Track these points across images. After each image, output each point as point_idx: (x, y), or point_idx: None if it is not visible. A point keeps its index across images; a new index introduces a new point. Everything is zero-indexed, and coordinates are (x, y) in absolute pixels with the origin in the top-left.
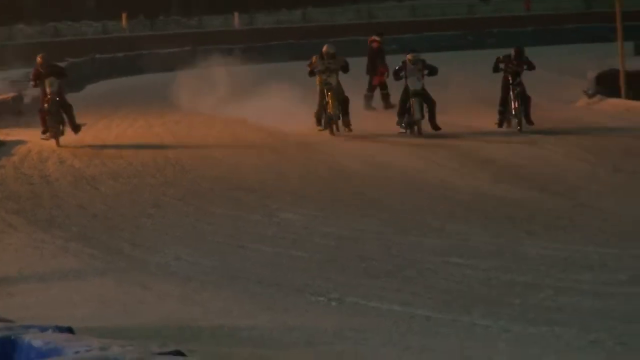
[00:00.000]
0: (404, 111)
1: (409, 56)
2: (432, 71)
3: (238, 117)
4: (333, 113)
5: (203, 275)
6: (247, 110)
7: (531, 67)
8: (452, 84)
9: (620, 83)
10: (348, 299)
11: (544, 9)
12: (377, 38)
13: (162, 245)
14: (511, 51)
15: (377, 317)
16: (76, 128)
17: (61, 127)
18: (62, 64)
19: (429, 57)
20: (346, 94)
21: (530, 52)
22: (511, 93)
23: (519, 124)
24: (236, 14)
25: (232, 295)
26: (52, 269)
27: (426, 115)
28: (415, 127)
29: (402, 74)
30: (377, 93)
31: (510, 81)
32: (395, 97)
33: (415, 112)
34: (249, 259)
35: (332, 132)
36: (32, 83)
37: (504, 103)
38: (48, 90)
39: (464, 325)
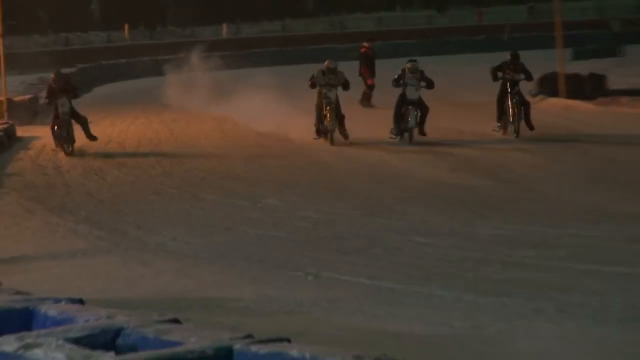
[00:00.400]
0: (398, 116)
1: (408, 65)
2: (430, 85)
3: (226, 116)
4: (330, 126)
5: (196, 253)
6: (234, 110)
7: (529, 77)
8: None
9: (560, 84)
10: (323, 274)
11: (494, 20)
12: (365, 44)
13: (161, 227)
14: (507, 56)
15: (348, 289)
16: (92, 138)
17: (71, 149)
18: (72, 69)
19: (396, 63)
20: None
21: (481, 58)
22: (509, 101)
23: (516, 130)
24: (224, 25)
25: (221, 271)
26: (63, 248)
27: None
28: (406, 135)
29: (401, 81)
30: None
31: (509, 89)
32: (387, 99)
33: (410, 119)
34: (237, 239)
35: (326, 139)
36: (46, 101)
37: (501, 109)
38: (60, 110)
39: (424, 296)
